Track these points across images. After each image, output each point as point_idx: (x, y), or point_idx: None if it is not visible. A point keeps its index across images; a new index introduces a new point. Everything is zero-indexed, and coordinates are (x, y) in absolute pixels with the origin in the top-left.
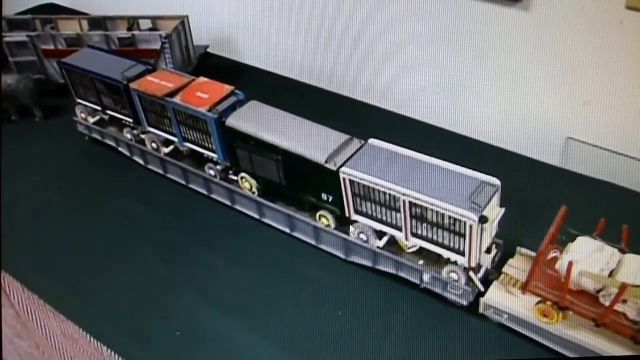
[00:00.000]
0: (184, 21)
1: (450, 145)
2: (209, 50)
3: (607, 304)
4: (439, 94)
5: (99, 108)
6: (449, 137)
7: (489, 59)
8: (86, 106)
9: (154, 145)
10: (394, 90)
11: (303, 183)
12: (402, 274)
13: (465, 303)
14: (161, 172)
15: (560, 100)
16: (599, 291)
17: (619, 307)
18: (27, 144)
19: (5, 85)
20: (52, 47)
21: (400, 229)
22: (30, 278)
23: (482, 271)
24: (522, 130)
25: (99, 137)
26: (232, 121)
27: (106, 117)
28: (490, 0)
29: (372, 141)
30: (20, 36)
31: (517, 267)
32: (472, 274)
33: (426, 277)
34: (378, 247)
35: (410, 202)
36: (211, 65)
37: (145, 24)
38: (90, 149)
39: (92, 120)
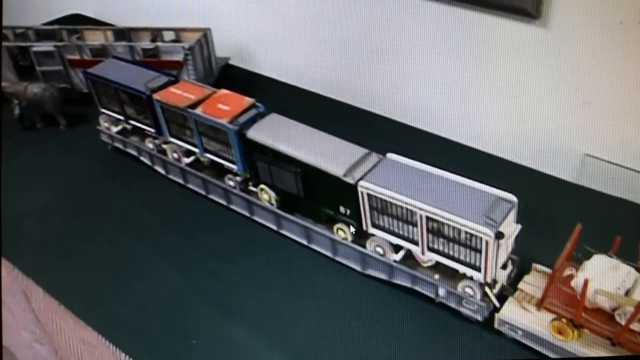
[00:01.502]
0: (206, 33)
1: (466, 160)
2: (230, 62)
3: (623, 322)
4: (454, 108)
5: (122, 117)
6: (465, 150)
7: (504, 73)
8: (109, 115)
9: (175, 155)
10: (410, 103)
11: (321, 195)
12: (418, 288)
13: (480, 318)
14: (181, 181)
15: (577, 116)
16: (614, 309)
17: (634, 326)
18: (51, 152)
19: (31, 94)
20: (77, 57)
21: (416, 243)
22: (50, 283)
23: (498, 287)
24: (538, 146)
25: (121, 146)
26: (252, 133)
27: (129, 127)
28: (508, 16)
29: (390, 155)
30: (47, 46)
31: (533, 283)
32: (487, 289)
33: (441, 292)
34: (394, 261)
35: (427, 217)
36: (232, 77)
37: (169, 36)
38: (113, 157)
39: (115, 129)
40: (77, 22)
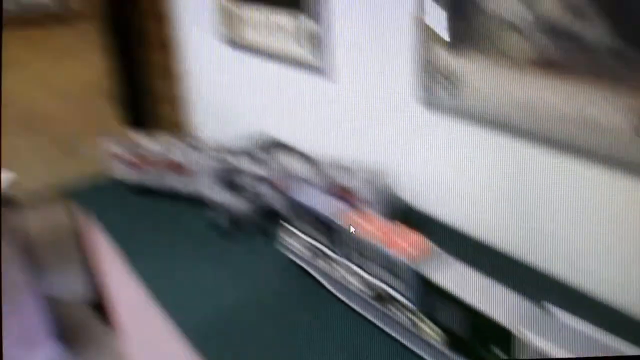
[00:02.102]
0: (385, 171)
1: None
2: (405, 199)
3: None
4: (604, 266)
5: (306, 238)
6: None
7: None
8: (294, 234)
9: (350, 279)
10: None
11: (483, 338)
12: None
13: None
14: (353, 305)
15: None
16: None
17: None
18: (236, 258)
19: (234, 206)
20: (274, 179)
21: None
22: None
23: None
24: None
25: (301, 263)
26: (425, 271)
27: (311, 247)
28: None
29: (549, 307)
30: (254, 167)
31: None
32: None
33: None
34: None
35: None
36: (407, 216)
37: (353, 170)
38: (291, 272)
39: (298, 246)
40: (274, 146)
